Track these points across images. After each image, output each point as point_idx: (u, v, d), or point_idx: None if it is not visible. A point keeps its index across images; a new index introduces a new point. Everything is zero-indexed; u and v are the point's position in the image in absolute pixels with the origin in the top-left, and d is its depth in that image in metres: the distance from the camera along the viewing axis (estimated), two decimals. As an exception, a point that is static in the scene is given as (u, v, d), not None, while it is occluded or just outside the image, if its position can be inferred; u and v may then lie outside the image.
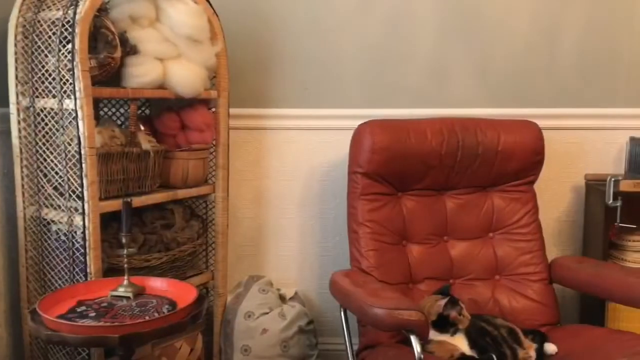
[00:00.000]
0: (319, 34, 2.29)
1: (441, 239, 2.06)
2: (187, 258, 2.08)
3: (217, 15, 2.05)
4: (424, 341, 1.59)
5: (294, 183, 2.36)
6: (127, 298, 1.66)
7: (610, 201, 2.02)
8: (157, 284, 1.76)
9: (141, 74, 1.82)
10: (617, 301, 1.86)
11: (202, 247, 2.20)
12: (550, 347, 1.78)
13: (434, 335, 1.66)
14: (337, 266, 2.32)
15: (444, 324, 1.67)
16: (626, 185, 2.02)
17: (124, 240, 1.68)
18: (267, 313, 2.15)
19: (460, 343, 1.68)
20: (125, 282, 1.69)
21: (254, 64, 2.32)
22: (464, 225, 2.07)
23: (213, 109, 2.13)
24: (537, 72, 2.25)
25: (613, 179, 2.02)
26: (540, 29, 2.23)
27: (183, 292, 1.69)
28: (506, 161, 2.03)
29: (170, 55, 1.90)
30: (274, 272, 2.38)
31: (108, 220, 1.85)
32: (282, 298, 2.28)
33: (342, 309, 1.81)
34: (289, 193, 2.36)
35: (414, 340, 1.50)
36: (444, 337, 1.67)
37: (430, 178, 2.03)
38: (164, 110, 2.06)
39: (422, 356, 1.48)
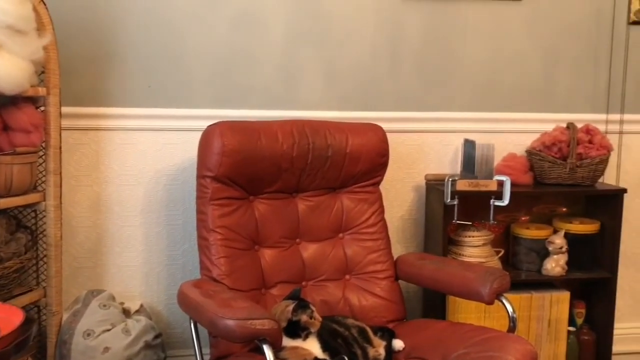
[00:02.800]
0: (164, 29, 2.16)
1: (293, 242, 2.05)
2: (12, 275, 1.84)
3: (44, 4, 1.84)
4: (277, 348, 1.56)
5: (138, 188, 2.20)
6: None
7: (448, 200, 2.14)
8: (-27, 309, 1.53)
9: (-51, 66, 1.58)
10: (456, 295, 1.98)
11: (31, 262, 1.97)
12: (397, 343, 1.84)
13: (286, 341, 1.63)
14: (186, 275, 2.23)
15: (296, 329, 1.65)
16: (462, 185, 2.16)
17: None
18: (109, 330, 1.98)
19: (313, 347, 1.67)
20: None
21: (91, 58, 2.13)
22: (315, 227, 2.07)
23: (42, 108, 1.92)
24: (382, 77, 2.33)
25: (450, 179, 2.15)
26: (385, 36, 2.31)
27: (6, 316, 1.48)
28: (354, 163, 2.07)
29: (-13, 47, 1.67)
30: (116, 285, 2.21)
31: None
32: (126, 312, 2.12)
33: (191, 320, 1.71)
34: (132, 199, 2.20)
35: (266, 349, 1.46)
36: (297, 343, 1.65)
37: (282, 181, 2.01)
38: (-19, 108, 1.81)
39: (276, 365, 1.44)
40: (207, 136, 1.92)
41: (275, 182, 2.00)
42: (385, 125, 2.15)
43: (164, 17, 2.16)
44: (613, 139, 2.40)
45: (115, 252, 2.22)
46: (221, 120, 1.98)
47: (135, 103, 2.18)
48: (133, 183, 2.20)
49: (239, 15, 2.21)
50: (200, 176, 1.93)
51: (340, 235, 2.11)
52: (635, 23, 2.41)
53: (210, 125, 1.94)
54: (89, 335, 1.95)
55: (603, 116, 2.45)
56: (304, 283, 2.02)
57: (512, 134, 2.41)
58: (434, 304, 2.27)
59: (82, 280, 2.20)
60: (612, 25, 2.41)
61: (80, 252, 2.20)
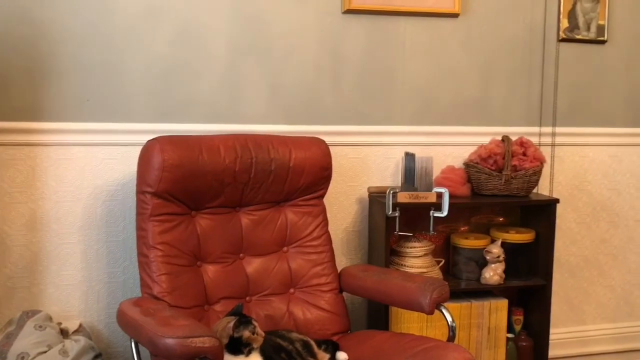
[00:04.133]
0: (104, 43, 2.12)
1: (237, 257, 2.04)
2: (-60, 298, 1.76)
3: (-26, 15, 1.78)
4: (220, 366, 1.55)
5: (76, 204, 2.15)
6: None
7: (390, 212, 2.18)
8: None
9: None
10: (398, 305, 2.02)
11: (-39, 283, 1.89)
12: (341, 356, 1.85)
13: (228, 358, 1.62)
14: (127, 293, 2.18)
15: (238, 345, 1.64)
16: (402, 197, 2.21)
17: None
18: (46, 352, 1.91)
19: (257, 362, 1.66)
20: None
21: (25, 71, 2.07)
22: (259, 241, 2.07)
23: (-28, 123, 1.85)
24: (325, 91, 2.36)
25: (391, 192, 2.19)
26: (327, 51, 2.34)
27: None
28: (298, 176, 2.08)
29: None
30: (53, 305, 2.14)
31: None
32: (64, 333, 2.05)
33: (132, 339, 1.68)
34: (70, 216, 2.15)
35: (208, 367, 1.45)
36: (240, 359, 1.64)
37: (224, 195, 2.00)
38: None
39: (217, 383, 1.43)
40: (147, 151, 1.89)
41: (217, 196, 1.99)
42: (328, 139, 2.18)
43: (104, 31, 2.12)
44: (546, 151, 2.51)
45: (53, 271, 2.15)
46: (162, 134, 1.96)
47: (73, 117, 2.13)
48: (71, 199, 2.14)
49: (181, 29, 2.20)
50: (140, 192, 1.90)
51: (285, 248, 2.11)
52: (564, 40, 2.53)
53: (150, 140, 1.91)
54: (22, 358, 1.88)
55: (536, 129, 2.55)
56: (248, 298, 2.01)
57: (451, 147, 2.48)
58: (378, 315, 2.30)
59: (17, 301, 2.12)
60: (544, 42, 2.52)
61: (14, 271, 2.12)
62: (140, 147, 1.93)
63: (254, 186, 2.03)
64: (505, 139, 2.34)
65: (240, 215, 2.06)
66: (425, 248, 2.30)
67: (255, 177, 2.02)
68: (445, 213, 2.20)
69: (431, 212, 2.24)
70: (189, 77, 2.23)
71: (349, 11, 2.32)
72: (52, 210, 2.13)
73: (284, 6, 2.28)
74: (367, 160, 2.44)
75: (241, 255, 2.05)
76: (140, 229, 1.89)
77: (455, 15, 2.41)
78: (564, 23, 2.51)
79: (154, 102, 2.20)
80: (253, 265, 2.05)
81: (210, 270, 1.97)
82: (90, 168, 2.15)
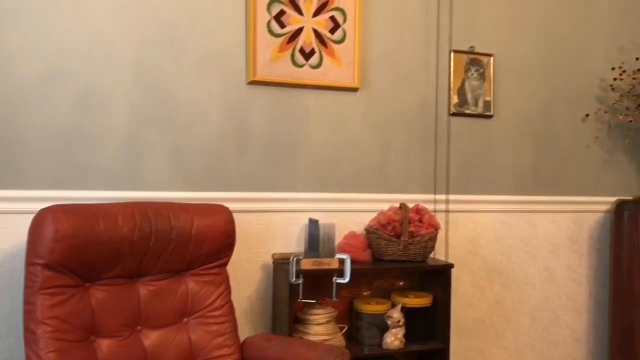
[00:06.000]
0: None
1: (134, 330, 1.96)
2: None
3: None
4: None
5: (-43, 277, 2.00)
6: None
7: (293, 279, 2.19)
8: None
9: None
10: (301, 375, 2.00)
11: None
12: None
13: None
14: (10, 373, 2.03)
15: None
16: (306, 264, 2.23)
17: None
18: None
19: None
20: None
21: None
22: (158, 312, 2.00)
23: None
24: (229, 158, 2.38)
25: (295, 258, 2.21)
26: (232, 118, 2.38)
27: None
28: (199, 245, 2.06)
29: None
30: None
31: None
32: None
33: None
34: (-51, 289, 1.99)
35: None
36: None
37: (121, 266, 1.94)
38: None
39: None
40: (39, 221, 1.81)
41: (114, 267, 1.92)
42: (232, 206, 2.18)
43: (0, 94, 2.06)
44: (441, 217, 2.64)
45: None
46: (58, 202, 1.89)
47: (-43, 184, 2.01)
48: (-49, 271, 2.00)
49: (81, 94, 2.17)
50: (29, 264, 1.80)
51: (185, 320, 2.06)
52: (455, 114, 2.72)
53: (42, 209, 1.84)
54: None
55: (431, 196, 2.69)
56: (144, 373, 1.93)
57: (353, 213, 2.55)
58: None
59: None
60: (436, 116, 2.71)
61: None
62: (32, 217, 1.84)
63: (153, 255, 1.98)
64: (403, 206, 2.44)
65: (138, 285, 1.99)
66: (329, 315, 2.32)
67: (154, 246, 1.97)
68: (347, 279, 2.24)
69: (334, 278, 2.27)
70: (88, 143, 2.18)
71: (253, 82, 2.39)
72: None
73: (189, 75, 2.31)
74: (271, 226, 2.46)
75: (138, 328, 1.97)
76: (27, 303, 1.78)
77: (355, 90, 2.55)
78: (454, 99, 2.71)
79: (50, 169, 2.13)
80: (151, 338, 1.98)
81: (105, 345, 1.87)
82: (-25, 238, 2.03)
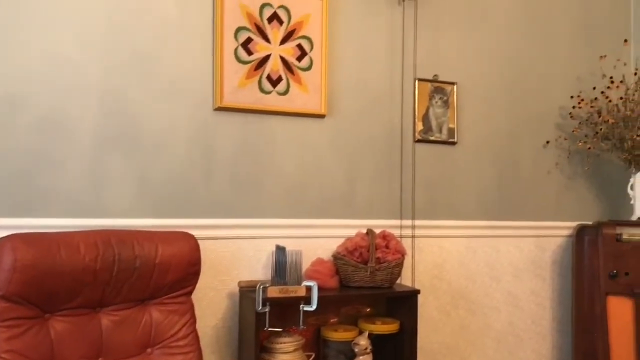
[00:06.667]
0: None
1: (95, 362, 1.91)
2: None
3: None
4: None
5: None
6: None
7: (260, 307, 2.17)
8: None
9: None
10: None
11: None
12: None
13: None
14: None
15: None
16: (272, 292, 2.21)
17: None
18: None
19: None
20: None
21: None
22: (121, 343, 1.96)
23: None
24: (196, 184, 2.37)
25: (262, 286, 2.19)
26: (198, 144, 2.37)
27: None
28: (164, 274, 2.03)
29: None
30: None
31: None
32: None
33: None
34: None
35: None
36: None
37: (83, 296, 1.89)
38: None
39: None
40: (-3, 251, 1.76)
41: (75, 297, 1.88)
42: (198, 232, 2.16)
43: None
44: (407, 243, 2.67)
45: None
46: (18, 230, 1.85)
47: None
48: None
49: (43, 119, 2.13)
50: (-15, 295, 1.75)
51: (149, 350, 2.02)
52: (419, 141, 2.76)
53: (1, 238, 1.79)
54: None
55: (398, 222, 2.71)
56: (106, 407, 1.87)
57: (320, 239, 2.55)
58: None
59: None
60: (401, 142, 2.74)
61: None
62: (-10, 245, 1.79)
63: (116, 285, 1.95)
64: (370, 232, 2.46)
65: (100, 316, 1.95)
66: (296, 343, 2.30)
67: (117, 276, 1.94)
68: (314, 307, 2.23)
69: (301, 306, 2.26)
70: (50, 169, 2.14)
71: (220, 109, 2.39)
72: None
73: (155, 101, 2.30)
74: (238, 253, 2.44)
75: (100, 359, 1.92)
76: (-17, 336, 1.73)
77: (322, 116, 2.57)
78: (419, 126, 2.76)
79: (10, 196, 2.08)
80: (113, 370, 1.93)
81: (64, 379, 1.82)
82: None
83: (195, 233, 2.15)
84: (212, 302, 2.38)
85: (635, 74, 3.02)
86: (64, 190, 2.16)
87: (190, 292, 2.12)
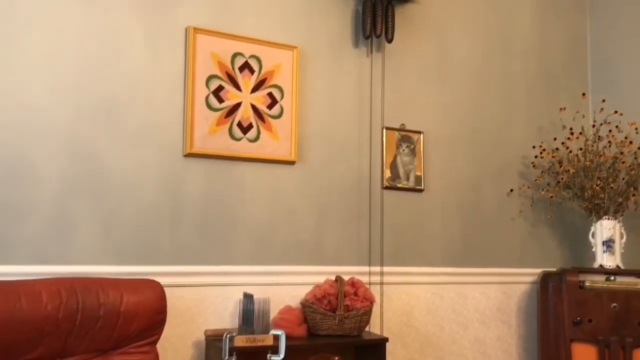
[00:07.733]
0: None
1: (53, 416, 1.84)
2: None
3: None
4: None
5: None
6: None
7: (226, 357, 2.13)
8: None
9: None
10: None
11: None
12: None
13: None
14: None
15: None
16: (239, 341, 2.18)
17: None
18: None
19: None
20: None
21: None
22: (81, 395, 1.90)
23: None
24: (162, 231, 2.34)
25: (228, 335, 2.16)
26: (166, 191, 2.36)
27: None
28: (129, 322, 1.98)
29: None
30: None
31: None
32: None
33: None
34: None
35: None
36: None
37: (44, 346, 1.84)
38: None
39: None
40: (-46, 300, 1.71)
41: (35, 348, 1.82)
42: (164, 280, 2.14)
43: None
44: (375, 289, 2.67)
45: None
46: (-24, 279, 1.79)
47: None
48: None
49: (7, 165, 2.10)
50: (-60, 347, 1.68)
51: (110, 403, 1.95)
52: (388, 188, 2.81)
53: (-41, 287, 1.74)
54: None
55: (366, 268, 2.72)
56: None
57: (288, 286, 2.54)
58: None
59: None
60: (370, 189, 2.78)
61: None
62: (-53, 294, 1.74)
63: (79, 334, 1.89)
64: (338, 279, 2.46)
65: (61, 367, 1.89)
66: (263, 393, 2.26)
67: (81, 325, 1.89)
68: (281, 356, 2.19)
69: (268, 355, 2.22)
70: (12, 215, 2.10)
71: (190, 155, 2.39)
72: None
73: (123, 146, 2.30)
74: (204, 301, 2.40)
75: (58, 413, 1.85)
76: None
77: (292, 163, 2.59)
78: (387, 173, 2.81)
79: (-31, 242, 2.03)
80: None
81: None
82: None
83: (161, 280, 2.12)
84: (177, 352, 2.33)
85: (594, 126, 3.15)
86: (27, 237, 2.12)
87: (156, 342, 2.08)
